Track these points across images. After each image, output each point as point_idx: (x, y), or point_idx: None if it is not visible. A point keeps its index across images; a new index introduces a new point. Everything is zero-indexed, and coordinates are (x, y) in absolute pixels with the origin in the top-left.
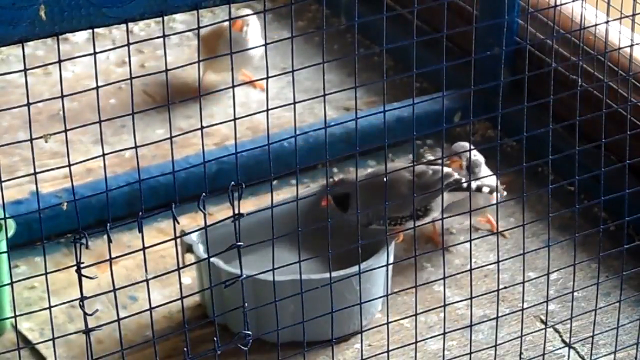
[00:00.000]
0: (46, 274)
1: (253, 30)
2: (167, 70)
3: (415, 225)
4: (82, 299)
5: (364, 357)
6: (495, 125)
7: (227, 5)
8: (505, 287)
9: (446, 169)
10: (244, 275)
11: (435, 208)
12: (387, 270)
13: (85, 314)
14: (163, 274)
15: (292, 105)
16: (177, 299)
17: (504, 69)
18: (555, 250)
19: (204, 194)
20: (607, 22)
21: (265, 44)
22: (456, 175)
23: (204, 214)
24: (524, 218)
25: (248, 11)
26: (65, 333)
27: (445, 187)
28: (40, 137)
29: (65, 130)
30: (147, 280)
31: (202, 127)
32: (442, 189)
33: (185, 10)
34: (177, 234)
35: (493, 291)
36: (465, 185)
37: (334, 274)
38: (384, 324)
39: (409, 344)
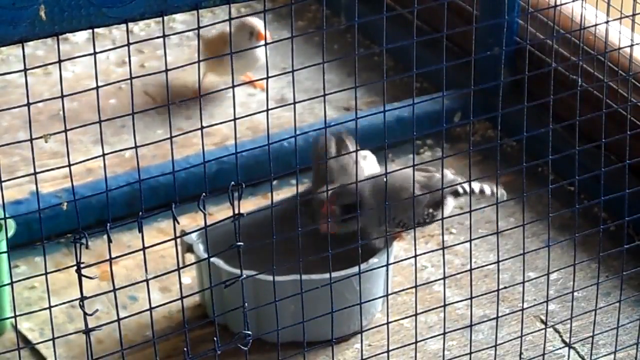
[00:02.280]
0: (46, 274)
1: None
2: (167, 70)
3: (415, 225)
4: (82, 299)
5: (364, 357)
6: (495, 125)
7: (227, 5)
8: (505, 287)
9: (451, 176)
10: (244, 275)
11: (439, 215)
12: (387, 270)
13: (85, 314)
14: (163, 274)
15: (292, 105)
16: (177, 299)
17: (504, 69)
18: (555, 250)
19: (204, 194)
20: (607, 22)
21: (265, 44)
22: (459, 180)
23: (204, 214)
24: (524, 218)
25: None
26: (65, 333)
27: (451, 194)
28: (40, 137)
29: (65, 130)
30: (147, 280)
31: (202, 127)
32: (442, 191)
33: (185, 10)
34: (177, 234)
35: (493, 291)
36: (467, 190)
37: (334, 274)
38: (384, 324)
39: (409, 344)
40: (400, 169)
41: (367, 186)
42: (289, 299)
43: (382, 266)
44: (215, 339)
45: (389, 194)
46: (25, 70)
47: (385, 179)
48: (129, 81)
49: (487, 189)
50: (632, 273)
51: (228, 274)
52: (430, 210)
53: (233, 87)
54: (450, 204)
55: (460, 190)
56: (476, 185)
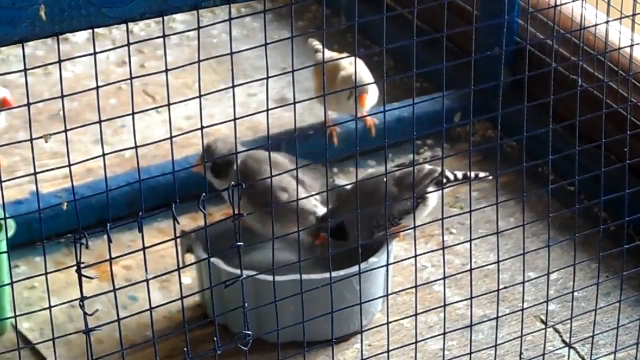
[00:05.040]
0: (46, 274)
1: (358, 69)
2: (167, 70)
3: (415, 225)
4: (82, 299)
5: (364, 357)
6: (495, 125)
7: (227, 5)
8: (505, 287)
9: (428, 167)
10: (244, 275)
11: (426, 203)
12: (387, 270)
13: (85, 314)
14: (163, 274)
15: (292, 105)
16: (177, 299)
17: (504, 69)
18: (555, 250)
19: (204, 194)
20: (607, 22)
21: (265, 44)
22: (439, 170)
23: (204, 214)
24: (524, 218)
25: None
26: (65, 333)
27: (433, 185)
28: (40, 137)
29: (65, 130)
30: (147, 280)
31: (202, 127)
32: (442, 187)
33: (185, 10)
34: (177, 234)
35: (493, 291)
36: (452, 178)
37: (334, 273)
38: (384, 324)
39: (409, 344)
40: (373, 177)
41: (349, 206)
42: (288, 299)
43: (382, 266)
44: (215, 339)
45: (364, 202)
46: (25, 70)
47: (385, 180)
48: (129, 81)
49: (459, 174)
50: (632, 273)
51: (228, 274)
52: (417, 201)
53: (233, 87)
54: (435, 196)
55: (436, 174)
56: (450, 173)
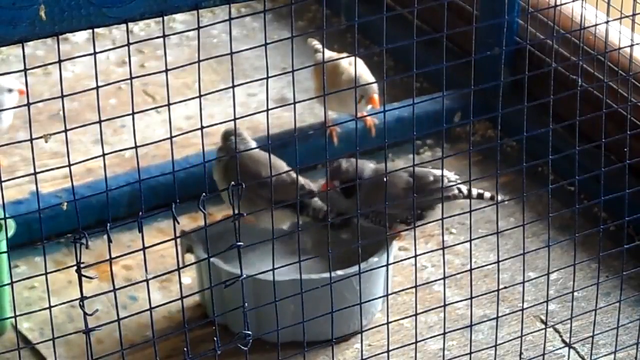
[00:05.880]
0: (46, 274)
1: (362, 70)
2: (167, 70)
3: (415, 225)
4: (82, 299)
5: (364, 357)
6: (495, 125)
7: (227, 5)
8: (505, 287)
9: (448, 174)
10: (244, 275)
11: (429, 216)
12: (387, 270)
13: (85, 314)
14: (163, 274)
15: (292, 105)
16: (177, 299)
17: (504, 69)
18: (555, 250)
19: (204, 194)
20: (607, 22)
21: (265, 44)
22: (455, 183)
23: (204, 214)
24: (524, 218)
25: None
26: (65, 333)
27: (446, 199)
28: (40, 137)
29: (65, 130)
30: (147, 280)
31: (202, 127)
32: (442, 196)
33: (185, 10)
34: (177, 234)
35: (493, 291)
36: (465, 193)
37: (333, 273)
38: (384, 324)
39: (409, 344)
40: (401, 169)
41: (367, 169)
42: (289, 299)
43: (382, 266)
44: (215, 339)
45: (377, 191)
46: (25, 70)
47: (385, 179)
48: (129, 81)
49: (487, 194)
50: (632, 273)
51: (228, 274)
52: (419, 212)
53: (233, 87)
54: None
55: (456, 192)
56: (474, 190)
